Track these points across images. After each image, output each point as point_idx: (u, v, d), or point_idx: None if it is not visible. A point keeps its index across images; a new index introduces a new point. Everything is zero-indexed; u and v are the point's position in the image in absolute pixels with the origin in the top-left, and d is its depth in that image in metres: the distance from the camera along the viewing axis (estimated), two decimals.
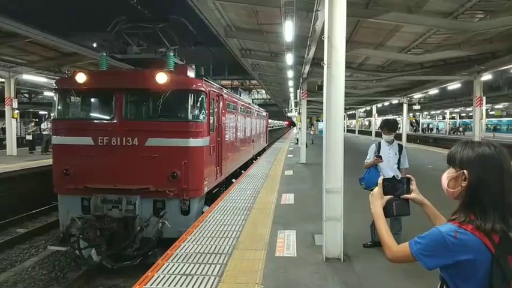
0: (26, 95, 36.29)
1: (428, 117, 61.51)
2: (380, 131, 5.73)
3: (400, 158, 5.30)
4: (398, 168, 5.28)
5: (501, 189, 1.38)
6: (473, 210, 1.39)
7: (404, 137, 24.66)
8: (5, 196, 11.01)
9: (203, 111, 7.46)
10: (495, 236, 1.34)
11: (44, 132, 17.90)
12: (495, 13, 9.13)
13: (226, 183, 10.48)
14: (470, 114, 33.99)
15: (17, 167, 12.60)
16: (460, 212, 1.43)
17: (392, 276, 4.27)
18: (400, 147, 5.41)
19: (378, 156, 5.23)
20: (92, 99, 7.94)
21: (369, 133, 41.54)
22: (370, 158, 5.34)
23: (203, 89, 7.46)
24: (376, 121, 38.27)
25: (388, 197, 1.69)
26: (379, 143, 5.43)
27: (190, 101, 7.21)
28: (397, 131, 5.60)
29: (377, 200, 1.69)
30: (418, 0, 8.77)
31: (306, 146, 16.74)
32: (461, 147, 1.48)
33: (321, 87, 15.75)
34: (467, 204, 1.42)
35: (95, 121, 7.63)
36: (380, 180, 1.72)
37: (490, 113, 42.55)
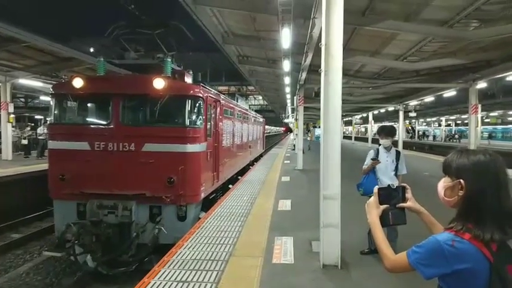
0: (22, 100, 36.15)
1: (424, 124, 61.85)
2: (377, 137, 5.75)
3: (397, 165, 5.32)
4: (396, 175, 5.29)
5: (498, 198, 1.37)
6: (471, 219, 1.38)
7: (400, 144, 24.77)
8: None
9: (200, 116, 7.47)
10: (493, 244, 1.33)
11: (40, 137, 17.83)
12: (490, 22, 9.25)
13: (223, 189, 10.46)
14: (466, 121, 34.23)
15: (11, 171, 12.51)
16: (457, 221, 1.42)
17: (389, 283, 4.26)
18: (398, 153, 5.42)
19: (374, 159, 5.25)
20: (89, 104, 7.93)
21: (365, 140, 41.70)
22: (367, 163, 5.35)
23: (200, 95, 7.48)
24: (373, 128, 38.48)
25: (384, 206, 1.69)
26: (378, 149, 5.45)
27: (188, 107, 7.22)
28: (394, 137, 5.62)
29: (373, 209, 1.69)
30: (414, 8, 8.86)
31: (303, 152, 16.75)
32: (457, 156, 1.47)
33: (317, 94, 15.83)
34: (465, 213, 1.42)
35: (92, 126, 7.62)
36: (375, 190, 1.72)
37: (485, 120, 42.87)
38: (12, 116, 16.55)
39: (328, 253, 4.74)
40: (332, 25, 4.73)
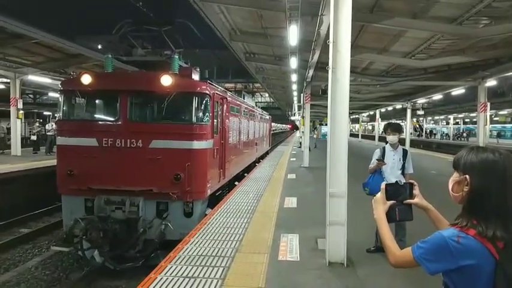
0: (31, 96, 36.49)
1: (432, 122, 61.31)
2: (384, 135, 5.71)
3: (404, 163, 5.28)
4: (403, 173, 5.26)
5: (504, 197, 1.36)
6: (476, 215, 1.38)
7: (407, 142, 24.61)
8: (9, 196, 11.06)
9: (207, 113, 7.49)
10: (499, 242, 1.33)
11: (48, 133, 18.01)
12: (500, 19, 9.13)
13: (229, 186, 10.49)
14: (474, 120, 33.88)
15: (21, 167, 12.67)
16: (462, 217, 1.42)
17: (395, 281, 4.26)
18: (405, 152, 5.38)
19: (379, 160, 5.21)
20: (97, 101, 7.99)
21: (372, 138, 41.49)
22: (374, 162, 5.32)
23: (207, 92, 7.49)
24: (380, 125, 38.24)
25: (391, 202, 1.68)
26: (384, 148, 5.41)
27: (195, 104, 7.23)
28: (401, 134, 5.57)
29: (380, 205, 1.68)
30: (423, 5, 8.79)
31: (309, 150, 16.72)
32: (467, 152, 1.48)
33: (324, 91, 15.77)
34: (470, 210, 1.42)
35: (100, 122, 7.67)
36: (383, 186, 1.72)
37: (494, 119, 42.38)
38: (21, 112, 16.72)
39: (334, 251, 4.74)
40: (340, 22, 4.71)
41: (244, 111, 12.83)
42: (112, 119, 7.40)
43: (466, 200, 1.43)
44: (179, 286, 4.01)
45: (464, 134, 48.05)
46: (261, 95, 64.67)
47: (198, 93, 7.31)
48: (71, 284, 6.74)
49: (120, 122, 7.14)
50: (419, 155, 23.22)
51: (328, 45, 4.81)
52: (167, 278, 4.19)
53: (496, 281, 1.31)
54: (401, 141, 5.61)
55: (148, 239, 6.76)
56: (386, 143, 5.49)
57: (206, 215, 7.31)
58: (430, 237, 1.41)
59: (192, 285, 4.05)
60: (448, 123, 55.11)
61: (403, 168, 5.27)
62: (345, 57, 4.72)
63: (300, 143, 24.61)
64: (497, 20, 9.21)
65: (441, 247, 1.36)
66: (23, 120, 18.82)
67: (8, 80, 16.20)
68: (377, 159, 5.24)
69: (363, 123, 50.71)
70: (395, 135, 5.33)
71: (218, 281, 4.16)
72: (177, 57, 7.76)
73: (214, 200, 8.34)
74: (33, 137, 19.21)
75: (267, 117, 23.75)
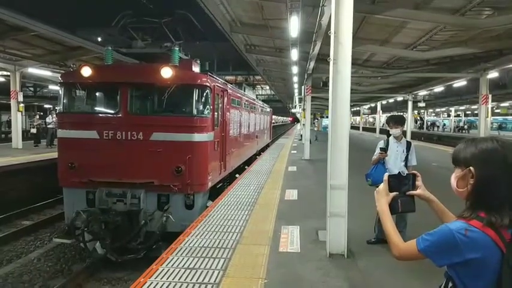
0: (31, 89, 36.45)
1: (433, 114, 61.16)
2: (385, 127, 5.70)
3: (407, 155, 5.27)
4: (406, 165, 5.25)
5: (509, 184, 1.35)
6: (483, 207, 1.37)
7: (408, 134, 24.55)
8: (10, 189, 11.09)
9: (208, 106, 7.47)
10: (506, 234, 1.31)
11: (49, 126, 18.00)
12: (503, 10, 9.03)
13: (230, 179, 10.51)
14: (476, 112, 33.78)
15: (23, 159, 12.68)
16: (469, 209, 1.40)
17: (396, 272, 4.27)
18: (409, 144, 5.37)
19: (382, 150, 5.21)
20: (97, 93, 7.96)
21: (373, 130, 41.43)
22: (377, 153, 5.32)
23: (208, 84, 7.47)
24: (381, 118, 38.16)
25: (394, 193, 1.67)
26: (388, 140, 5.40)
27: (195, 96, 7.21)
28: (404, 126, 5.55)
29: (382, 197, 1.67)
30: None
31: (310, 142, 16.71)
32: (464, 145, 1.46)
33: (325, 84, 15.70)
34: (477, 201, 1.40)
35: (100, 115, 7.66)
36: (385, 177, 1.70)
37: (496, 111, 42.21)
38: (22, 105, 16.70)
39: (334, 242, 4.76)
40: (342, 13, 4.66)
41: (245, 103, 12.80)
42: (112, 111, 7.39)
43: (472, 191, 1.41)
44: (180, 277, 4.04)
45: (465, 127, 47.91)
46: (262, 88, 64.41)
47: (199, 85, 7.29)
48: (73, 276, 6.79)
49: (120, 115, 7.13)
50: (420, 147, 23.16)
51: (330, 36, 4.77)
52: (168, 269, 4.22)
53: (502, 274, 1.30)
54: (403, 134, 5.59)
55: (149, 231, 6.79)
56: (388, 135, 5.47)
57: (207, 207, 7.33)
58: (437, 229, 1.39)
59: (193, 276, 4.07)
60: (449, 115, 54.96)
61: (406, 160, 5.27)
62: (347, 48, 4.68)
63: (301, 136, 24.59)
64: (501, 11, 9.10)
65: (448, 240, 1.34)
66: (23, 113, 18.81)
67: (8, 73, 16.16)
68: (380, 148, 5.24)
69: (364, 116, 50.55)
70: (397, 128, 5.31)
71: (219, 272, 4.18)
72: (177, 49, 7.72)
73: (215, 193, 8.36)
74: (34, 130, 19.21)
75: (268, 109, 23.71)
